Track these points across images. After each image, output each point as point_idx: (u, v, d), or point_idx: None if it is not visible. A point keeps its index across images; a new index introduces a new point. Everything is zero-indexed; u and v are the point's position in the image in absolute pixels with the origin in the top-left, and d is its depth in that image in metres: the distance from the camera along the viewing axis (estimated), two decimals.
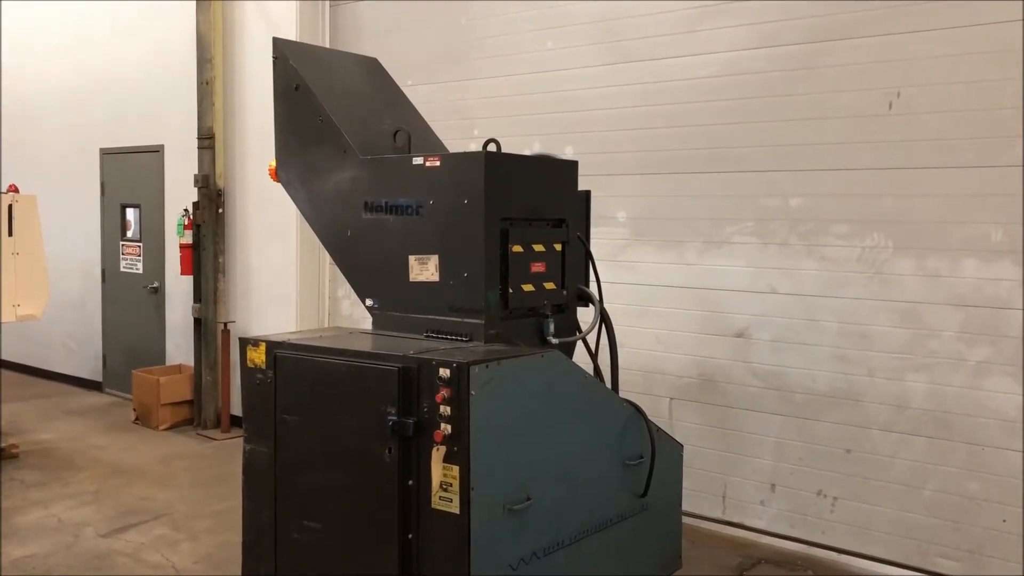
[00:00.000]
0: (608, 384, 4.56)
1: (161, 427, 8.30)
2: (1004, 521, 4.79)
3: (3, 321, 7.09)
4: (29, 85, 10.50)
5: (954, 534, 4.95)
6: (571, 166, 4.60)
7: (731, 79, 5.61)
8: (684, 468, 4.90)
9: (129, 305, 9.56)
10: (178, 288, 8.83)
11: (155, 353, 9.19)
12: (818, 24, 5.28)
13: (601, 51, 6.18)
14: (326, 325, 7.91)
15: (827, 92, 5.27)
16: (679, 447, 4.85)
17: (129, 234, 9.52)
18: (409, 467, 3.64)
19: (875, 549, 5.22)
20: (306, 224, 4.86)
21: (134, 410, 8.59)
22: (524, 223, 4.19)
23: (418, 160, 4.14)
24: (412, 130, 4.56)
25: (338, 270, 4.77)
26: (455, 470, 3.50)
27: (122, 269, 9.62)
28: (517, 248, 4.12)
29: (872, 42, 5.11)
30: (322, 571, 3.93)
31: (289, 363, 4.02)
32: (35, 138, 10.48)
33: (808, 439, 5.43)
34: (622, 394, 4.56)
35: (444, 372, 3.51)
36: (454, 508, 3.51)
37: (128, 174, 9.51)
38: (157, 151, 9.08)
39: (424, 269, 4.14)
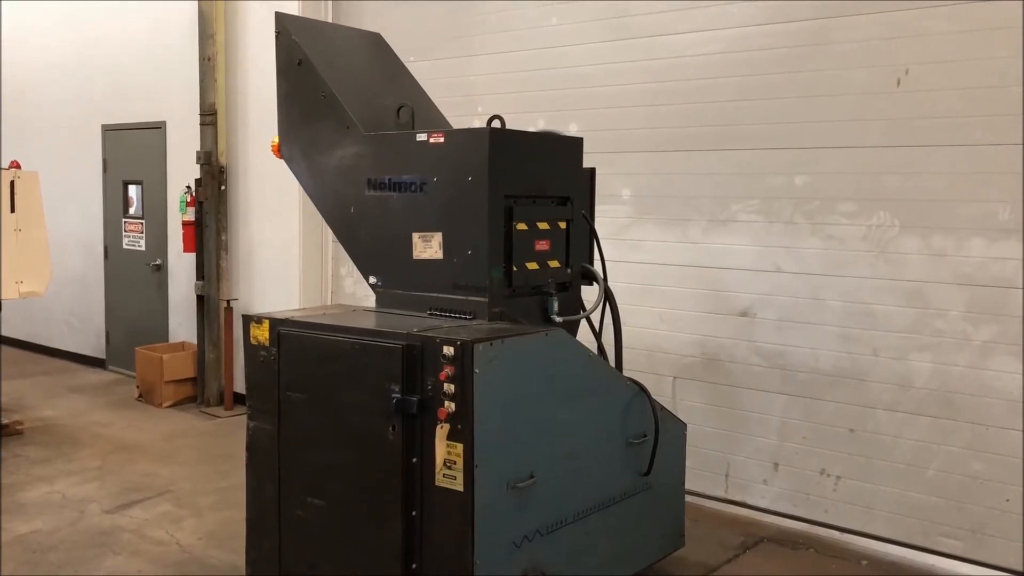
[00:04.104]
0: (612, 363, 4.56)
1: (164, 404, 8.31)
2: (1007, 501, 4.79)
3: (6, 298, 7.08)
4: (30, 61, 10.43)
5: (957, 513, 4.95)
6: (576, 143, 4.57)
7: (737, 56, 5.56)
8: (687, 447, 4.91)
9: (132, 282, 9.55)
10: (181, 265, 8.82)
11: (158, 330, 9.19)
12: (826, 0, 5.22)
13: (606, 27, 6.12)
14: (329, 303, 7.90)
15: (835, 69, 5.22)
16: (682, 426, 4.86)
17: (131, 211, 9.49)
18: (413, 445, 3.65)
19: (878, 528, 5.22)
20: (309, 201, 4.84)
21: (137, 387, 8.60)
22: (528, 201, 4.18)
23: (422, 136, 4.12)
24: (415, 106, 4.53)
25: (341, 247, 4.75)
26: (459, 448, 3.50)
27: (124, 246, 9.60)
28: (521, 226, 4.10)
29: (881, 19, 5.05)
30: (326, 548, 3.94)
31: (292, 340, 4.01)
32: (37, 115, 10.43)
33: (812, 418, 5.42)
34: (626, 373, 4.55)
35: (448, 350, 3.50)
36: (458, 486, 3.52)
37: (130, 151, 9.46)
38: (159, 127, 9.03)
39: (428, 247, 4.12)
